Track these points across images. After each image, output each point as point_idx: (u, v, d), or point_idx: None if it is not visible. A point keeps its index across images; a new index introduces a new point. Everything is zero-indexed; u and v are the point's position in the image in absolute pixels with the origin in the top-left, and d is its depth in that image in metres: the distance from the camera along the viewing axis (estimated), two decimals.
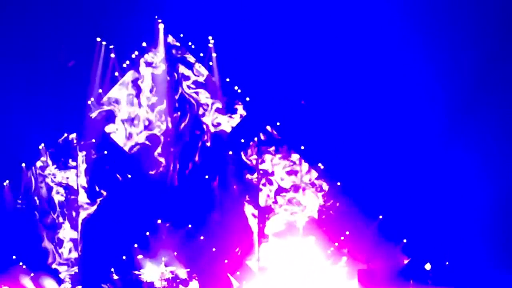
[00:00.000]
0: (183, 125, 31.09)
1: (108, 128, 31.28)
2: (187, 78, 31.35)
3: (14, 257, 30.69)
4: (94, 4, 30.05)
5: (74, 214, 31.30)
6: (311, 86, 29.54)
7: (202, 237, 30.26)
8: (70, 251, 31.35)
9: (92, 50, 31.04)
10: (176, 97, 31.24)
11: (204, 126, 31.04)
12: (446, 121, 28.11)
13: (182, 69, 31.30)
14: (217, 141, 30.97)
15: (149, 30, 31.20)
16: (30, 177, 31.34)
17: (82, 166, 31.19)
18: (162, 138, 31.12)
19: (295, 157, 30.40)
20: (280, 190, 30.46)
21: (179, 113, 31.22)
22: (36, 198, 31.17)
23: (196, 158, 30.97)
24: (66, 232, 31.37)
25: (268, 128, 30.58)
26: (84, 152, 31.29)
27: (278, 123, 30.64)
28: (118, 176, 31.32)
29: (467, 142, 27.91)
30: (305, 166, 30.28)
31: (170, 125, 31.10)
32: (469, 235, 27.24)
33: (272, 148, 30.49)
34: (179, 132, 31.22)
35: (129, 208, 30.58)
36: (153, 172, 31.05)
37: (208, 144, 30.84)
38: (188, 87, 31.20)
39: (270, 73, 29.99)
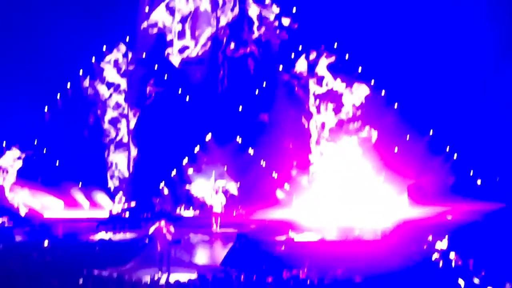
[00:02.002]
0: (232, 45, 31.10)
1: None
2: None
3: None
4: None
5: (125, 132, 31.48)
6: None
7: (251, 151, 29.96)
8: (121, 167, 31.69)
9: None
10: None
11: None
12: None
13: None
14: (267, 56, 30.62)
15: None
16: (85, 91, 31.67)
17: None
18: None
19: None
20: (335, 108, 30.09)
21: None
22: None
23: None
24: (117, 151, 31.66)
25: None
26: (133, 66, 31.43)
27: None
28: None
29: None
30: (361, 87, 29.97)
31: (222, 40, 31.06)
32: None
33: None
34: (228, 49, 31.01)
35: (180, 123, 30.37)
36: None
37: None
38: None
39: None
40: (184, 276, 21.15)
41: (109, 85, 31.89)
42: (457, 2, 27.87)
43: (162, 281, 20.16)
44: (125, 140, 31.81)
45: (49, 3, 28.41)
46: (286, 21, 30.81)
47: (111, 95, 31.90)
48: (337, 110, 30.17)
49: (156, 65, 31.66)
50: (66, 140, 31.27)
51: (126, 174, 31.72)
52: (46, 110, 31.24)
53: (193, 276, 20.84)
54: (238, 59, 31.16)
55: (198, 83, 31.31)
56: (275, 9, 30.91)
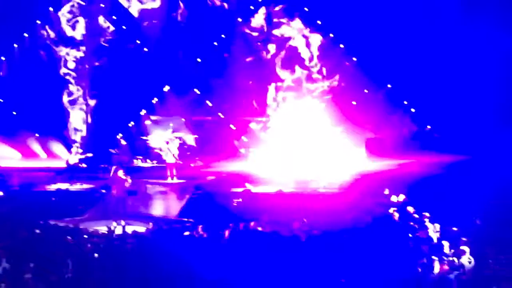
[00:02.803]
0: None
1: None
2: None
3: (14, 113, 31.15)
4: None
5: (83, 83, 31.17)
6: None
7: (209, 103, 29.85)
8: (78, 118, 31.35)
9: None
10: None
11: None
12: None
13: None
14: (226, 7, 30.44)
15: None
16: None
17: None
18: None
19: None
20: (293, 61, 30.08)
21: None
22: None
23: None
24: (76, 100, 31.29)
25: None
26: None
27: None
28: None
29: None
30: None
31: None
32: (475, 103, 26.81)
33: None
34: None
35: (137, 75, 30.12)
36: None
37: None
38: None
39: None
40: (140, 228, 21.10)
41: (66, 36, 31.22)
42: None
43: (118, 232, 20.07)
44: (82, 91, 31.31)
45: None
46: None
47: (68, 44, 31.24)
48: (295, 63, 30.02)
49: (114, 17, 31.22)
50: (23, 90, 30.88)
51: (84, 125, 31.33)
52: (3, 59, 30.76)
53: (149, 227, 20.82)
54: (196, 9, 30.72)
55: (156, 34, 30.95)
56: None
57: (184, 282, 13.77)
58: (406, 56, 27.81)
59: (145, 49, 31.15)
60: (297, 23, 29.97)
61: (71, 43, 31.20)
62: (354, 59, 29.53)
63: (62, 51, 31.09)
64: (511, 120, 25.57)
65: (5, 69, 30.93)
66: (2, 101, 31.08)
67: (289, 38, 30.06)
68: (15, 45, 30.94)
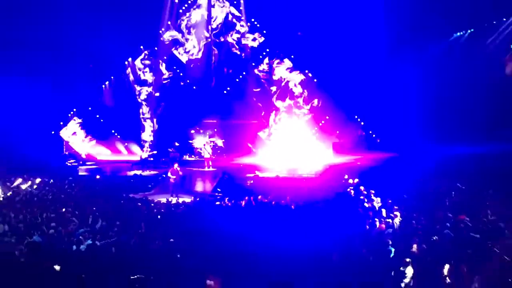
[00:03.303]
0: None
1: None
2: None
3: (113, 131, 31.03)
4: None
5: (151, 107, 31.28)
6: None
7: (232, 119, 29.98)
8: (148, 128, 31.39)
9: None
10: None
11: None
12: None
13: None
14: (244, 58, 30.40)
15: None
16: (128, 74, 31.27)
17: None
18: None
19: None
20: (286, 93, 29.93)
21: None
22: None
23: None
24: (147, 117, 31.39)
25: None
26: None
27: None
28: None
29: None
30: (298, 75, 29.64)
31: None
32: (401, 120, 26.31)
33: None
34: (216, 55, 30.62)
35: (186, 101, 30.20)
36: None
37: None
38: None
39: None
40: (187, 199, 21.07)
41: (140, 79, 31.33)
42: None
43: (173, 202, 20.07)
44: (151, 111, 31.32)
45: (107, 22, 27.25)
46: (257, 37, 30.17)
47: (142, 84, 31.22)
48: (287, 95, 29.73)
49: (171, 64, 31.14)
50: (114, 110, 30.67)
51: (151, 133, 31.31)
52: (103, 89, 30.86)
53: (193, 199, 20.79)
54: (225, 58, 30.48)
55: (198, 74, 30.65)
56: (249, 34, 30.24)
57: (216, 235, 13.70)
58: (358, 89, 26.98)
59: (188, 82, 30.82)
60: (286, 64, 29.71)
61: (144, 83, 31.07)
62: (324, 90, 28.93)
63: (138, 87, 31.02)
64: (425, 131, 25.19)
65: (105, 97, 30.78)
66: (102, 121, 30.85)
67: (282, 79, 29.68)
68: (106, 83, 30.87)
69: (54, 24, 26.05)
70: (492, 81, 23.56)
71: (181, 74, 30.78)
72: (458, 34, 25.93)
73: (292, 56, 29.46)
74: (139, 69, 30.94)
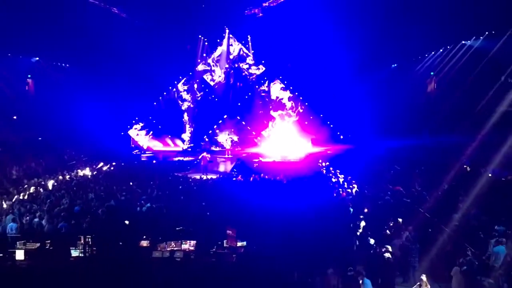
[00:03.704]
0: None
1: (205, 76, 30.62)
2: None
3: (159, 126, 30.20)
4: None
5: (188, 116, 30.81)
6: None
7: (243, 122, 29.49)
8: (188, 129, 31.12)
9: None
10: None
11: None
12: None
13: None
14: (251, 82, 30.06)
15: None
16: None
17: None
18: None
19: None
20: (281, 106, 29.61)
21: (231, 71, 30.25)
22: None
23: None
24: (186, 121, 30.92)
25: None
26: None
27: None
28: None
29: None
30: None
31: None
32: (358, 123, 25.71)
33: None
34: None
35: (213, 110, 29.84)
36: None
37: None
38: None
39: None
40: (214, 176, 21.08)
41: (182, 97, 30.79)
42: None
43: (204, 178, 20.12)
44: (189, 118, 30.76)
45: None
46: (260, 67, 29.88)
47: (183, 100, 30.80)
48: (280, 107, 29.50)
49: (202, 85, 30.74)
50: (165, 117, 30.20)
51: (190, 132, 31.02)
52: (158, 103, 30.34)
53: (218, 176, 20.82)
54: (239, 80, 30.22)
55: (220, 92, 30.37)
56: (254, 66, 29.79)
57: (233, 200, 13.80)
58: (328, 101, 26.91)
59: (214, 97, 30.33)
60: (280, 85, 29.48)
61: (184, 99, 30.57)
62: (306, 103, 28.76)
63: (180, 102, 30.54)
64: (373, 130, 24.99)
65: (158, 108, 30.36)
66: (160, 127, 30.25)
67: (277, 97, 29.48)
68: (159, 98, 30.41)
69: (129, 63, 26.09)
70: (419, 95, 23.67)
71: (210, 94, 30.50)
72: (395, 65, 26.12)
73: (284, 81, 29.27)
74: (181, 90, 30.94)
